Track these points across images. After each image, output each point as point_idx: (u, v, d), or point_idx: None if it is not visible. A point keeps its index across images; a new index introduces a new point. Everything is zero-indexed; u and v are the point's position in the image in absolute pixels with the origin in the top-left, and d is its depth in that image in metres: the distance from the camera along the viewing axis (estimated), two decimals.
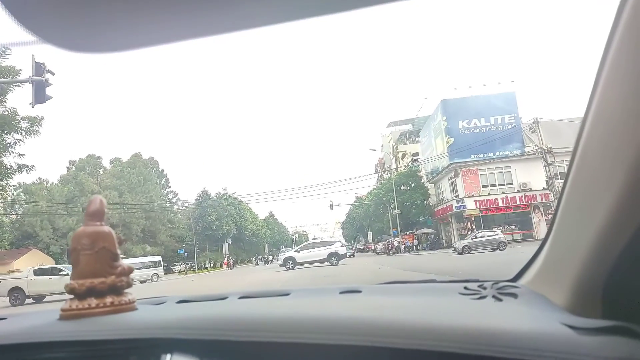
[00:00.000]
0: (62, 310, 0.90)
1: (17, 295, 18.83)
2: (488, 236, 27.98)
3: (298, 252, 26.90)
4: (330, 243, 27.80)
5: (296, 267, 25.33)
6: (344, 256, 26.61)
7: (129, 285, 0.96)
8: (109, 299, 0.90)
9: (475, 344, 0.63)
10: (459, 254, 26.27)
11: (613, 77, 0.64)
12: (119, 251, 0.95)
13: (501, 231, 29.27)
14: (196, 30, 0.40)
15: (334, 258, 25.44)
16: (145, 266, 35.11)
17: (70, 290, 0.90)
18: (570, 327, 0.65)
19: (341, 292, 1.07)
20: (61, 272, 19.69)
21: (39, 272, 19.83)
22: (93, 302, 0.89)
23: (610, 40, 0.64)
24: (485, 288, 0.97)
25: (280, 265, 26.37)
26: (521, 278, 1.05)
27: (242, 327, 0.76)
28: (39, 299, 19.50)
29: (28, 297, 19.03)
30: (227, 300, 1.07)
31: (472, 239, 28.72)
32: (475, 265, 14.79)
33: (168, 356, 0.74)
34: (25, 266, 35.53)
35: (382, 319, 0.73)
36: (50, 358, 0.79)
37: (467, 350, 0.63)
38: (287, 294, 1.08)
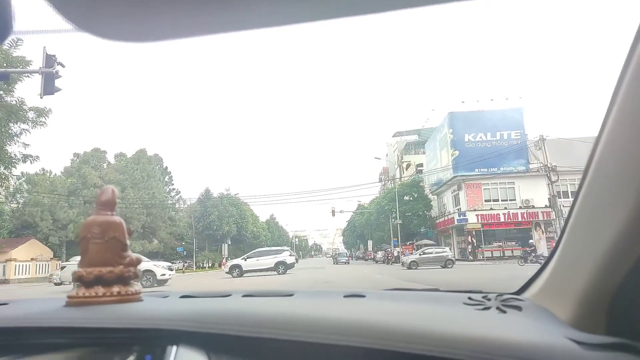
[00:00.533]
0: (69, 297, 0.91)
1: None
2: (436, 253, 28.28)
3: (245, 260, 25.49)
4: (279, 252, 26.65)
5: (244, 275, 24.18)
6: (291, 265, 25.64)
7: (137, 276, 0.96)
8: (115, 289, 0.91)
9: (479, 352, 0.64)
10: (407, 268, 26.62)
11: (630, 96, 0.64)
12: (128, 242, 0.95)
13: (501, 246, 29.19)
14: (216, 26, 0.41)
15: (281, 267, 24.55)
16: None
17: (77, 277, 0.90)
18: (575, 341, 0.65)
19: (345, 296, 1.07)
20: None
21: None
22: (100, 290, 0.89)
23: (628, 61, 0.65)
24: (489, 299, 0.96)
25: (227, 273, 24.76)
26: (525, 291, 1.05)
27: (247, 323, 0.77)
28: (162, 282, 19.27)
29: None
30: (230, 298, 1.07)
31: (420, 254, 29.02)
32: (476, 279, 14.72)
33: (174, 347, 0.74)
34: (23, 256, 35.55)
35: (386, 323, 0.73)
36: (55, 343, 0.79)
37: (469, 359, 0.64)
38: (291, 295, 1.09)
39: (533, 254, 24.94)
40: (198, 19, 0.40)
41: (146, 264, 19.16)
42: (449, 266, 26.08)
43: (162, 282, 18.75)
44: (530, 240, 31.73)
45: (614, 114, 0.67)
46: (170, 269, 20.30)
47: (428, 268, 25.83)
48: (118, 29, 0.41)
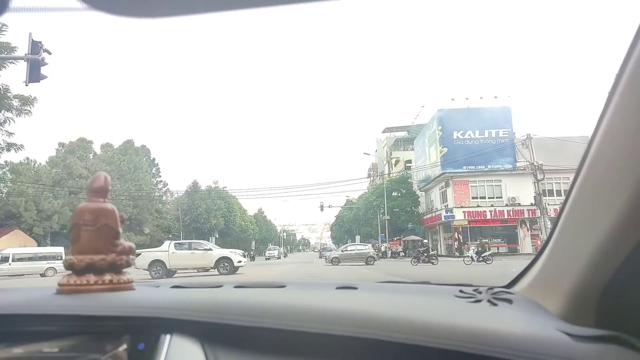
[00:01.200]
0: (60, 284, 0.90)
1: (159, 268, 18.59)
2: (358, 250, 28.77)
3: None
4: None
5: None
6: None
7: (129, 264, 0.95)
8: (107, 277, 0.90)
9: (471, 343, 0.65)
10: (330, 264, 27.04)
11: (627, 96, 0.65)
12: (120, 229, 0.95)
13: (486, 244, 29.43)
14: (206, 4, 0.42)
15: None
16: (40, 258, 29.97)
17: (69, 265, 0.89)
18: (565, 333, 0.67)
19: (337, 288, 1.07)
20: (204, 247, 19.68)
21: (178, 246, 19.62)
22: (92, 278, 0.89)
23: (627, 60, 0.66)
24: (480, 292, 0.97)
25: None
26: (516, 285, 1.06)
27: (240, 312, 0.77)
28: (172, 273, 19.07)
29: (169, 270, 18.73)
30: (222, 288, 1.07)
31: (342, 250, 29.56)
32: (462, 277, 14.87)
33: (168, 336, 0.74)
34: (6, 246, 35.04)
35: (378, 314, 0.74)
36: (46, 331, 0.78)
37: (463, 349, 0.64)
38: (283, 286, 1.09)
39: (425, 254, 25.27)
40: None
41: (224, 251, 19.59)
42: (370, 263, 26.34)
43: (236, 270, 18.80)
44: (425, 240, 32.72)
45: (610, 113, 0.68)
46: (244, 257, 20.60)
47: (352, 265, 26.04)
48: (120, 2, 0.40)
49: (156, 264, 18.69)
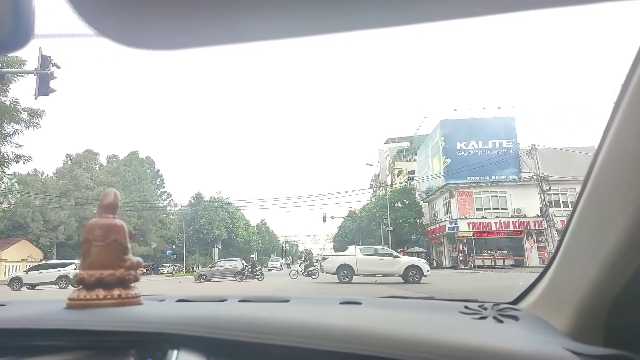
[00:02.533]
0: (70, 299, 0.91)
1: (346, 272, 18.73)
2: (226, 266, 28.70)
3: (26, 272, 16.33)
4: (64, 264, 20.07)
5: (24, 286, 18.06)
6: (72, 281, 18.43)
7: (137, 279, 0.96)
8: (116, 292, 0.91)
9: None
10: (197, 281, 27.42)
11: (632, 107, 0.64)
12: (129, 245, 0.96)
13: (492, 255, 29.22)
14: (219, 37, 0.43)
15: (63, 281, 17.12)
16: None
17: (79, 280, 0.91)
18: (572, 352, 0.65)
19: (341, 303, 1.07)
20: (390, 254, 19.51)
21: (364, 251, 19.61)
22: (101, 293, 0.90)
23: (633, 71, 0.65)
24: (485, 309, 0.97)
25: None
26: (522, 301, 1.06)
27: (245, 328, 0.77)
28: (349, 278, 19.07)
29: (357, 275, 18.81)
30: (227, 302, 1.08)
31: (210, 267, 29.82)
32: (467, 288, 14.75)
33: (175, 352, 0.74)
34: (13, 257, 35.14)
35: (383, 330, 0.74)
36: (55, 345, 0.79)
37: None
38: (287, 301, 1.09)
39: (248, 269, 25.33)
40: (204, 29, 0.42)
41: (413, 260, 19.29)
42: (237, 278, 25.97)
43: (419, 279, 18.44)
44: (253, 257, 32.34)
45: (616, 124, 0.67)
46: (430, 265, 20.25)
47: (221, 280, 26.17)
48: (129, 35, 0.42)
49: (344, 268, 18.79)
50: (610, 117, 0.69)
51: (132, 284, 0.96)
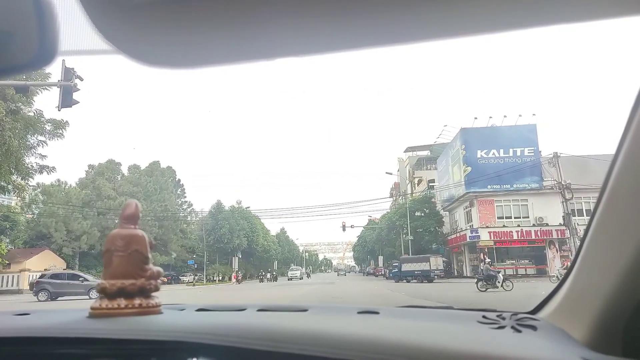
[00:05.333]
0: (92, 308, 0.93)
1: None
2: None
3: None
4: None
5: None
6: None
7: (157, 288, 0.98)
8: (137, 301, 0.93)
9: None
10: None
11: None
12: (150, 255, 0.98)
13: (514, 264, 28.73)
14: (242, 55, 0.43)
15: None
16: None
17: (101, 289, 0.93)
18: None
19: (359, 312, 1.08)
20: None
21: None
22: (122, 302, 0.92)
23: None
24: (504, 318, 0.96)
25: None
26: (541, 311, 1.05)
27: (263, 337, 0.78)
28: None
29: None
30: (246, 312, 1.09)
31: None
32: (492, 299, 14.52)
33: None
34: (37, 266, 35.79)
35: (401, 340, 0.74)
36: (77, 354, 0.81)
37: None
38: (305, 310, 1.10)
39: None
40: (223, 48, 0.42)
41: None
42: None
43: None
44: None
45: (632, 132, 0.67)
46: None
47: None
48: (151, 53, 0.43)
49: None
50: (627, 124, 0.69)
51: (153, 294, 0.98)
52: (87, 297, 20.52)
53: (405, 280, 32.07)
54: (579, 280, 0.87)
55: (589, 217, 0.81)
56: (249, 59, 0.43)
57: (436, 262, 33.08)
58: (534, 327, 0.87)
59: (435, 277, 30.06)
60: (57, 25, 0.50)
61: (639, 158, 0.66)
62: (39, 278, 24.70)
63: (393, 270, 36.40)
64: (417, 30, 0.40)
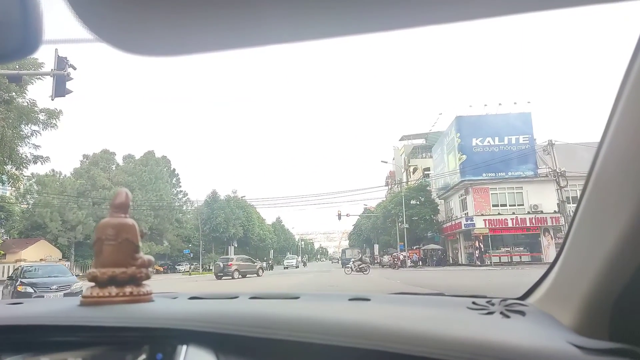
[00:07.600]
0: (83, 297, 0.94)
1: None
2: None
3: None
4: None
5: None
6: None
7: (148, 277, 0.99)
8: (128, 289, 0.94)
9: (482, 356, 0.65)
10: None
11: (632, 102, 0.65)
12: (140, 243, 0.98)
13: (509, 252, 28.88)
14: (232, 42, 0.43)
15: None
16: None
17: (92, 278, 0.93)
18: (578, 346, 0.66)
19: (350, 299, 1.08)
20: None
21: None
22: (113, 290, 0.92)
23: (631, 66, 0.65)
24: (493, 304, 0.98)
25: None
26: (529, 297, 1.06)
27: (255, 323, 0.79)
28: None
29: None
30: (238, 299, 1.09)
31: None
32: (485, 284, 14.65)
33: (184, 347, 0.76)
34: (32, 256, 35.71)
35: (391, 326, 0.74)
36: (69, 341, 0.81)
37: None
38: (297, 297, 1.11)
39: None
40: (213, 34, 0.42)
41: None
42: None
43: None
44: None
45: (616, 119, 0.67)
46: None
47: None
48: (136, 42, 0.42)
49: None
50: (611, 113, 0.69)
51: (144, 282, 0.99)
52: None
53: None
54: (567, 266, 0.88)
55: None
56: (240, 46, 0.43)
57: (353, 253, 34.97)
58: (522, 313, 0.88)
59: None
60: (40, 13, 0.50)
61: (622, 145, 0.67)
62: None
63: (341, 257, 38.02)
64: (412, 15, 0.39)
